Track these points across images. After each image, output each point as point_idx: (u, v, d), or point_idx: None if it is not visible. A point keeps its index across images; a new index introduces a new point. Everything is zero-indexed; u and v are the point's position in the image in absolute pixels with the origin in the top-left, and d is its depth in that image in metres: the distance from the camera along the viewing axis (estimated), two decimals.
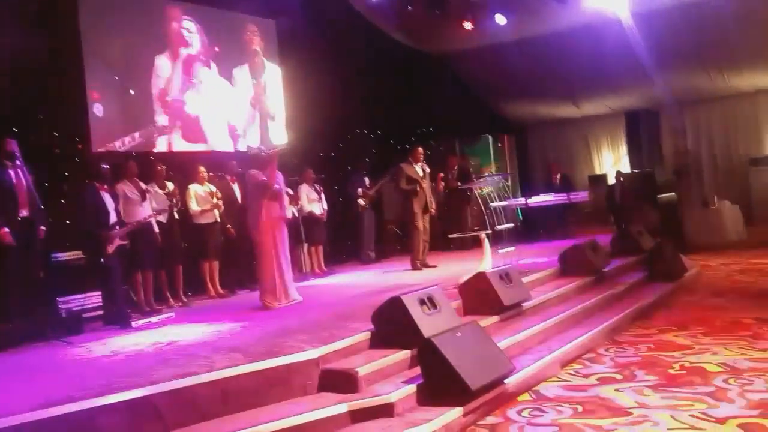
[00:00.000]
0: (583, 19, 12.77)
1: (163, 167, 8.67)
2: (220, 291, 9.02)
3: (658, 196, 12.66)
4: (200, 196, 8.84)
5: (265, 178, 7.23)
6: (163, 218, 8.37)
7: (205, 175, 9.02)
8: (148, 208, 8.05)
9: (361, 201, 11.47)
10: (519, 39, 13.43)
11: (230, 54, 11.25)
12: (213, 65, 10.84)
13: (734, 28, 12.35)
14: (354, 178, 11.80)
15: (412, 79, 14.04)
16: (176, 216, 8.58)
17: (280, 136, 11.82)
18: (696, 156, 15.23)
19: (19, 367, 5.49)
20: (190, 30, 10.49)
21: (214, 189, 8.99)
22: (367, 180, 11.71)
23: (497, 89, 15.73)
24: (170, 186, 8.59)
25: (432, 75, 14.64)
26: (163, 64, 10.05)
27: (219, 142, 10.82)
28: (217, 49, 10.92)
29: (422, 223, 9.62)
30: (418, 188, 9.55)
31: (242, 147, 10.95)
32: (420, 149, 9.83)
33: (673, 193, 13.29)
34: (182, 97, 10.25)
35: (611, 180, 14.50)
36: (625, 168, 14.76)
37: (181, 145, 10.14)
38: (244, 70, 11.53)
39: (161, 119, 9.87)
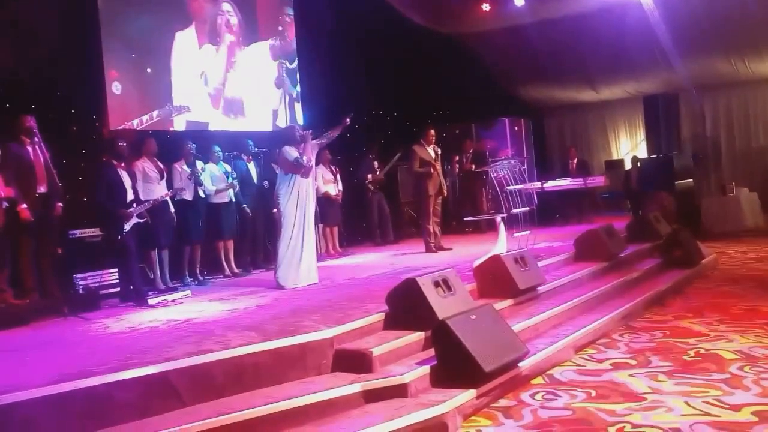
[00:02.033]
0: (603, 1, 12.63)
1: (193, 146, 8.67)
2: (236, 270, 9.05)
3: (676, 182, 12.56)
4: (215, 176, 8.85)
5: (299, 154, 7.32)
6: (188, 195, 8.40)
7: (220, 154, 9.02)
8: (165, 186, 8.07)
9: (370, 186, 11.45)
10: (537, 21, 13.31)
11: (260, 33, 11.42)
12: (243, 44, 10.94)
13: (756, 13, 12.16)
14: (362, 163, 11.78)
15: (428, 61, 13.94)
16: (201, 195, 8.60)
17: (300, 117, 11.91)
18: (715, 142, 15.07)
19: (36, 342, 5.55)
20: (229, 11, 10.64)
21: (229, 168, 9.00)
22: (376, 164, 11.67)
23: (515, 72, 15.61)
24: (200, 164, 8.63)
25: (449, 57, 14.53)
26: (185, 42, 10.04)
27: (245, 121, 10.93)
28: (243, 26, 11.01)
29: (434, 205, 9.61)
30: (432, 170, 9.53)
31: (264, 127, 11.03)
32: (432, 131, 9.78)
33: (691, 180, 13.19)
34: (208, 75, 10.32)
35: (628, 165, 14.41)
36: (643, 153, 14.65)
37: (199, 124, 10.16)
38: (275, 50, 11.67)
39: (178, 97, 9.87)
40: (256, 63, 11.28)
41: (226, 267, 8.99)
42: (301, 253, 7.32)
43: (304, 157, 7.35)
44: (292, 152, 7.37)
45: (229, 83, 10.68)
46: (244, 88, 10.96)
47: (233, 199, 8.99)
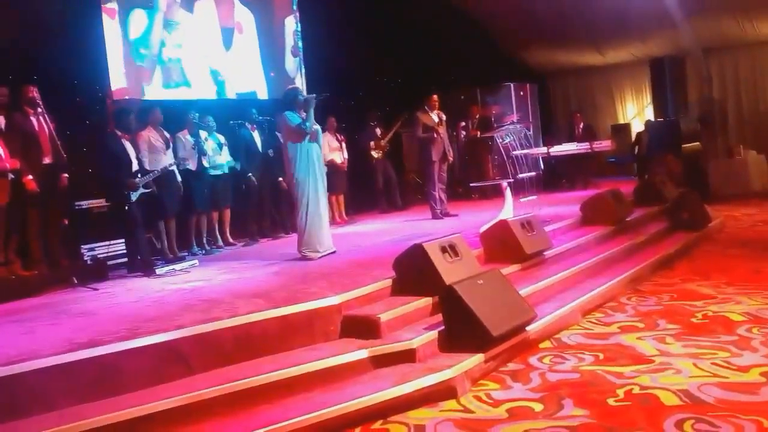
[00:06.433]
0: None
1: (196, 115, 8.59)
2: (231, 241, 8.96)
3: (683, 145, 12.47)
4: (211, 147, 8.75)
5: (302, 118, 6.84)
6: (192, 165, 8.36)
7: (214, 124, 8.82)
8: (171, 156, 8.04)
9: (374, 153, 11.39)
10: None
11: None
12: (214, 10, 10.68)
13: None
14: (365, 130, 11.70)
15: (431, 26, 13.78)
16: (205, 164, 8.54)
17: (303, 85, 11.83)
18: (721, 104, 14.92)
19: (45, 312, 5.56)
20: None
21: (223, 140, 8.89)
22: (378, 131, 11.58)
23: (519, 36, 15.38)
24: (204, 134, 8.58)
25: (452, 22, 14.35)
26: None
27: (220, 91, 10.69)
28: None
29: (439, 171, 9.57)
30: (435, 135, 9.47)
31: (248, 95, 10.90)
32: (435, 96, 9.72)
33: (698, 143, 13.10)
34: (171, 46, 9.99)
35: (634, 129, 14.32)
36: (650, 117, 14.54)
37: (190, 93, 10.00)
38: (290, 20, 11.64)
39: (147, 64, 9.58)
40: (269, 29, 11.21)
41: (219, 238, 8.87)
42: (320, 221, 6.96)
43: (308, 123, 6.83)
44: (294, 117, 6.88)
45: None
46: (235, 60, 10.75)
47: (226, 171, 8.83)
